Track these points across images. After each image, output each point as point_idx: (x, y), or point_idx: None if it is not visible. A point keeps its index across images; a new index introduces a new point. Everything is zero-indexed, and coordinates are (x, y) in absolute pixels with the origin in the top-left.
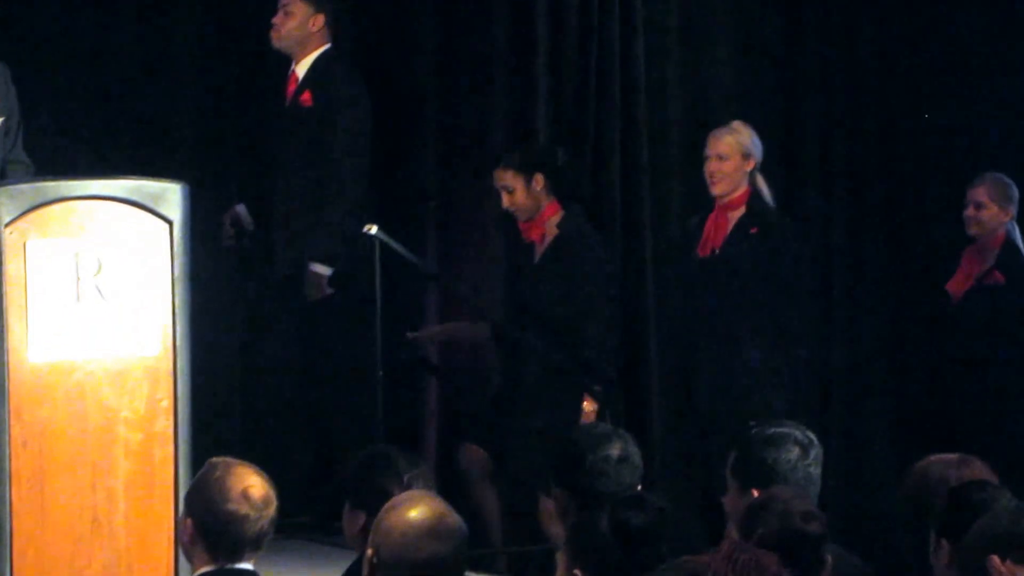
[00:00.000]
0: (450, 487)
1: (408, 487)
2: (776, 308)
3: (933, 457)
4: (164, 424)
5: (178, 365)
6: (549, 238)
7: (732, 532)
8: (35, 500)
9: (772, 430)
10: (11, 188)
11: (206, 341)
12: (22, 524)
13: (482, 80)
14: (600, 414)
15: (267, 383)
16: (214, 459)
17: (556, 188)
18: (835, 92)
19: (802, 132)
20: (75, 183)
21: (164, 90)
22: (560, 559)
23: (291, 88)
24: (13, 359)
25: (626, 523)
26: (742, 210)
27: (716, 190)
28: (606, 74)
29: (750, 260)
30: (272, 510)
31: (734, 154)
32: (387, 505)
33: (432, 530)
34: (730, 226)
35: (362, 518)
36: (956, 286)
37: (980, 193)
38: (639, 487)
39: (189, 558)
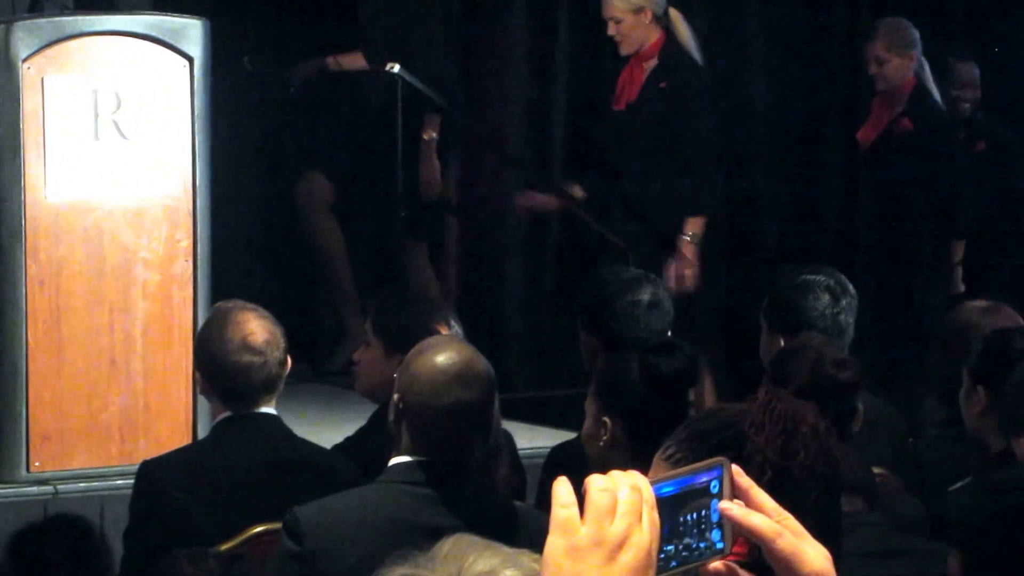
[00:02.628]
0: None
1: (435, 332)
2: (689, 162)
3: (964, 305)
4: (183, 265)
5: (198, 205)
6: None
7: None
8: (51, 340)
9: (803, 277)
10: (28, 23)
11: (226, 181)
12: (38, 364)
13: None
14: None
15: (288, 222)
16: (217, 304)
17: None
18: None
19: None
20: (93, 18)
21: None
22: (589, 405)
23: None
24: (30, 198)
25: (656, 369)
26: (655, 61)
27: (624, 51)
28: None
29: (660, 114)
30: (278, 352)
31: (625, 13)
32: (414, 350)
33: (459, 376)
34: (644, 77)
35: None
36: (866, 134)
37: (878, 48)
38: (669, 333)
39: (212, 407)
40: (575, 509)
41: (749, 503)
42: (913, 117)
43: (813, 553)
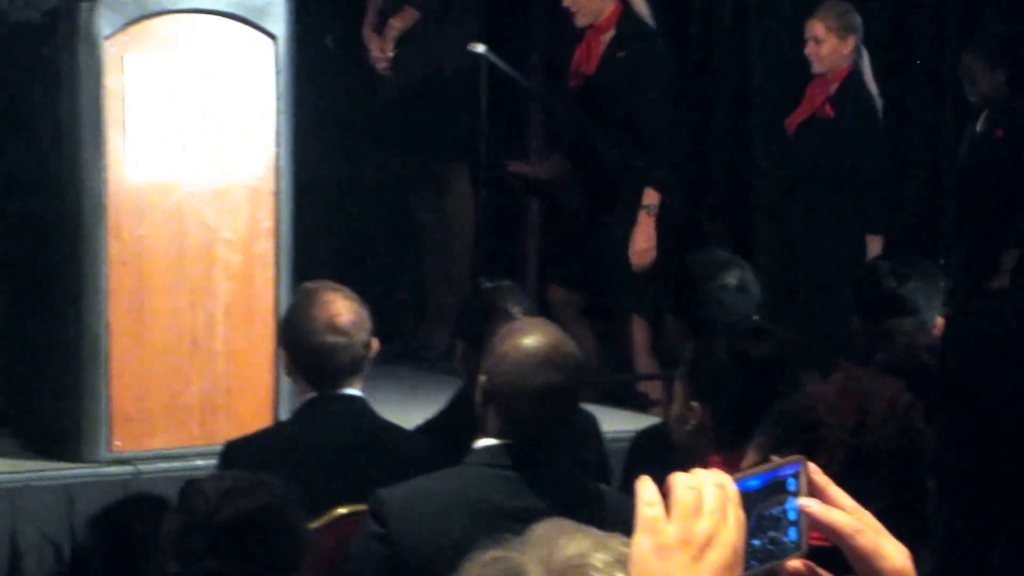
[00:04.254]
0: None
1: (507, 312)
2: (647, 132)
3: None
4: (265, 246)
5: (281, 186)
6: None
7: (843, 362)
8: (133, 320)
9: (894, 264)
10: (111, 1)
11: (309, 161)
12: (119, 344)
13: None
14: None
15: (369, 205)
16: (304, 285)
17: None
18: None
19: None
20: None
21: None
22: (677, 389)
23: None
24: (112, 177)
25: (745, 354)
26: (612, 32)
27: (580, 23)
28: None
29: (619, 84)
30: (364, 334)
31: None
32: (502, 331)
33: (547, 358)
34: (602, 49)
35: (467, 347)
36: (793, 118)
37: (817, 27)
38: (756, 317)
39: (296, 386)
40: (661, 507)
41: (826, 501)
42: (836, 104)
43: (893, 550)
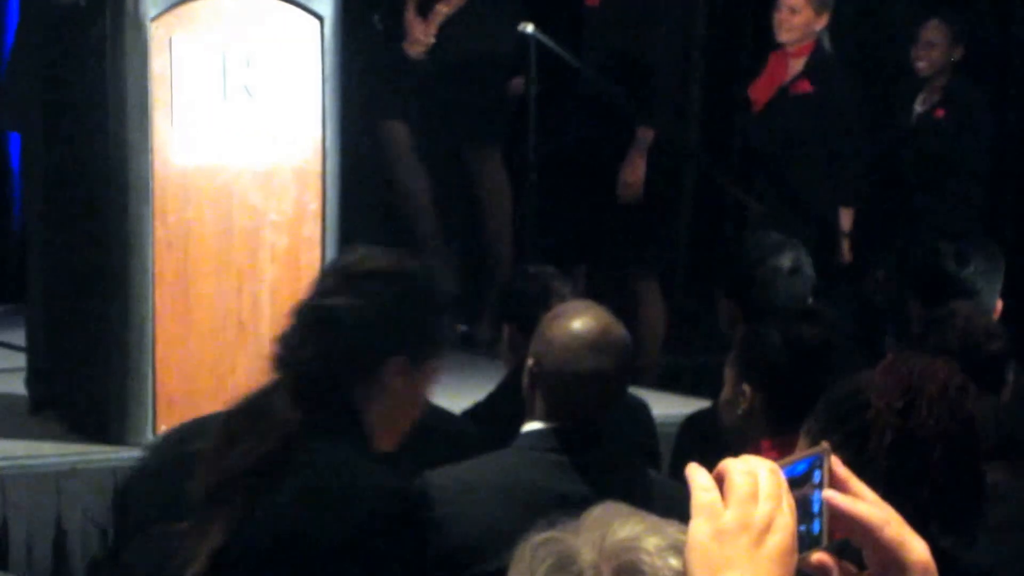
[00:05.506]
0: None
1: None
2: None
3: None
4: (312, 228)
5: (327, 168)
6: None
7: (895, 345)
8: (179, 303)
9: (957, 245)
10: None
11: (356, 143)
12: (166, 327)
13: None
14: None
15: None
16: None
17: None
18: None
19: None
20: None
21: None
22: (728, 372)
23: None
24: (158, 159)
25: (798, 338)
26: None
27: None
28: None
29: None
30: None
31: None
32: (550, 314)
33: (596, 342)
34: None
35: (514, 331)
36: (759, 92)
37: None
38: (810, 299)
39: None
40: (717, 493)
41: (849, 493)
42: (812, 79)
43: (917, 543)
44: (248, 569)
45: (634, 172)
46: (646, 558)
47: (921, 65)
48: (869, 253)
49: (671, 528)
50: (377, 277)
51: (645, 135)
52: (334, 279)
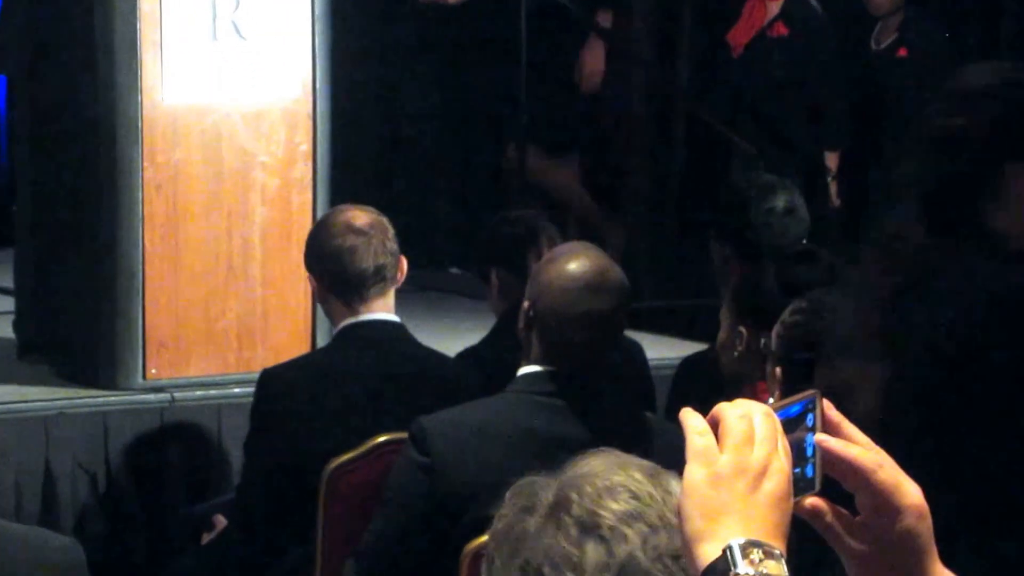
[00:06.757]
0: None
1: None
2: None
3: None
4: (303, 170)
5: (318, 108)
6: None
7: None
8: (168, 245)
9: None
10: None
11: (347, 83)
12: (155, 270)
13: None
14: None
15: (408, 128)
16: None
17: None
18: None
19: None
20: None
21: None
22: (724, 314)
23: None
24: (147, 100)
25: (795, 278)
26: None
27: None
28: None
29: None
30: (385, 238)
31: None
32: (546, 257)
33: (592, 284)
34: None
35: (503, 275)
36: (738, 36)
37: None
38: (805, 240)
39: (329, 315)
40: (712, 437)
41: (841, 436)
42: (788, 21)
43: (911, 486)
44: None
45: (594, 59)
46: (574, 496)
47: (874, 3)
48: (857, 196)
49: (638, 474)
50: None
51: (604, 19)
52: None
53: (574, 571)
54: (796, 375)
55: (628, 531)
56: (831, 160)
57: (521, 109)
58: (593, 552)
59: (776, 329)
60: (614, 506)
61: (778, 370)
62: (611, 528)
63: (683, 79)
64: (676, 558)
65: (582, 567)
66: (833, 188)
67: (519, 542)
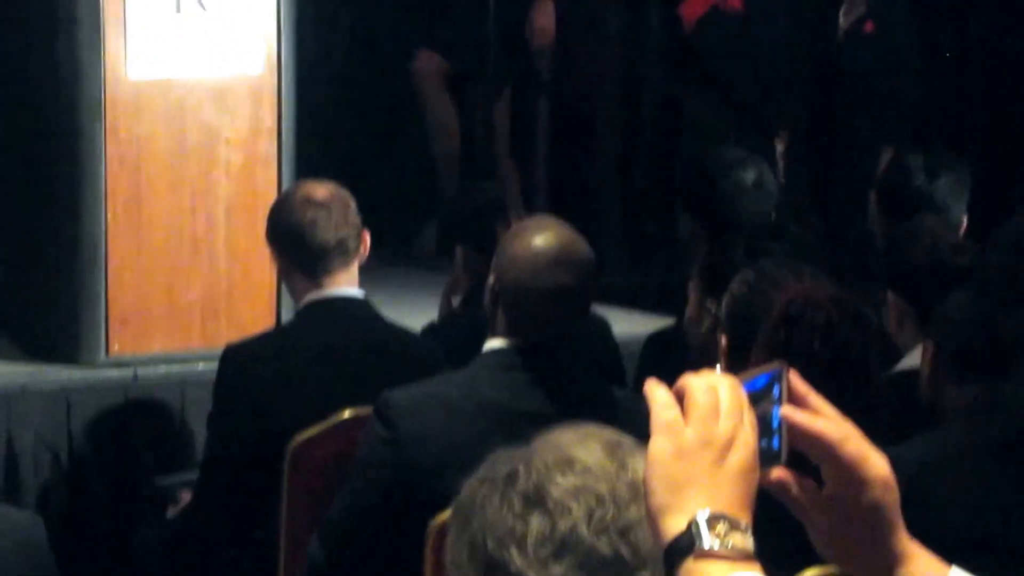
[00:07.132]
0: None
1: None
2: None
3: None
4: (267, 146)
5: (283, 84)
6: None
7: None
8: (131, 221)
9: (925, 159)
10: None
11: (311, 57)
12: (118, 246)
13: None
14: None
15: (373, 100)
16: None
17: None
18: None
19: None
20: None
21: None
22: (692, 289)
23: None
24: (110, 75)
25: (763, 253)
26: None
27: None
28: None
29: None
30: (345, 211)
31: None
32: (512, 231)
33: (559, 258)
34: None
35: (469, 251)
36: (691, 10)
37: None
38: (774, 215)
39: (292, 291)
40: (677, 410)
41: (807, 408)
42: None
43: (877, 458)
44: None
45: (544, 16)
46: (523, 470)
47: None
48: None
49: (597, 447)
50: None
51: None
52: None
53: (516, 544)
54: (740, 345)
55: (573, 504)
56: (779, 140)
57: (488, 70)
58: (536, 525)
59: (724, 299)
60: (561, 480)
61: (723, 339)
62: (556, 502)
63: (652, 52)
64: (623, 532)
65: (524, 541)
66: (779, 167)
67: (469, 514)
